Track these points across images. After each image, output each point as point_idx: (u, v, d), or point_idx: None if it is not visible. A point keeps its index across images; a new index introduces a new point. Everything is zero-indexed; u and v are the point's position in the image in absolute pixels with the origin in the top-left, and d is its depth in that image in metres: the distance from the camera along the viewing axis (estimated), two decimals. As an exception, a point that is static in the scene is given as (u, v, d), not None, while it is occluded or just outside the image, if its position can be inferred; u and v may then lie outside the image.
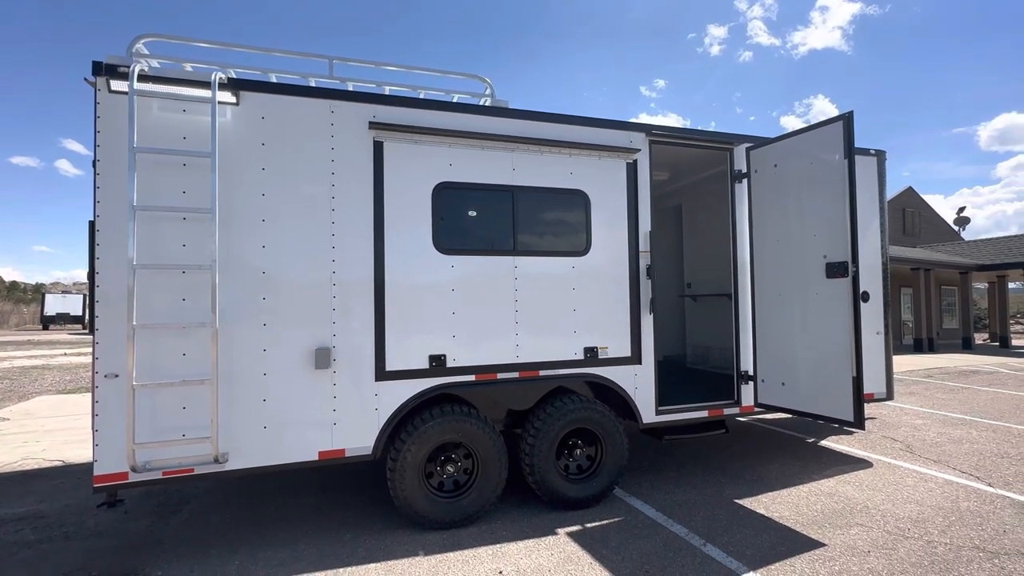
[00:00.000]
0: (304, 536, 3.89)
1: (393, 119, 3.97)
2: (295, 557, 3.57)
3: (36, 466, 5.64)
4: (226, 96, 3.57)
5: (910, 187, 25.84)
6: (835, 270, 4.22)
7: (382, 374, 3.87)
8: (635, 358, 4.59)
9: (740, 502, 4.41)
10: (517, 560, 3.50)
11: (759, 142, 5.00)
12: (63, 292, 41.34)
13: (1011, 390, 9.85)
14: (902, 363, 13.91)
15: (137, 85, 3.32)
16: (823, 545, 3.63)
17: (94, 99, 3.37)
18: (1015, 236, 21.77)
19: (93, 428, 3.30)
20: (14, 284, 56.64)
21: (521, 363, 4.24)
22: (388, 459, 3.90)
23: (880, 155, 5.71)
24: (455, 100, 4.61)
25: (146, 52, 3.76)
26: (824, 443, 6.15)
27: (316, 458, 3.71)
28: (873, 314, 5.53)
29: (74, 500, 4.63)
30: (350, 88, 4.26)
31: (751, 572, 3.31)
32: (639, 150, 4.67)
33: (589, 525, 4.01)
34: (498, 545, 3.71)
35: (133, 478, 3.32)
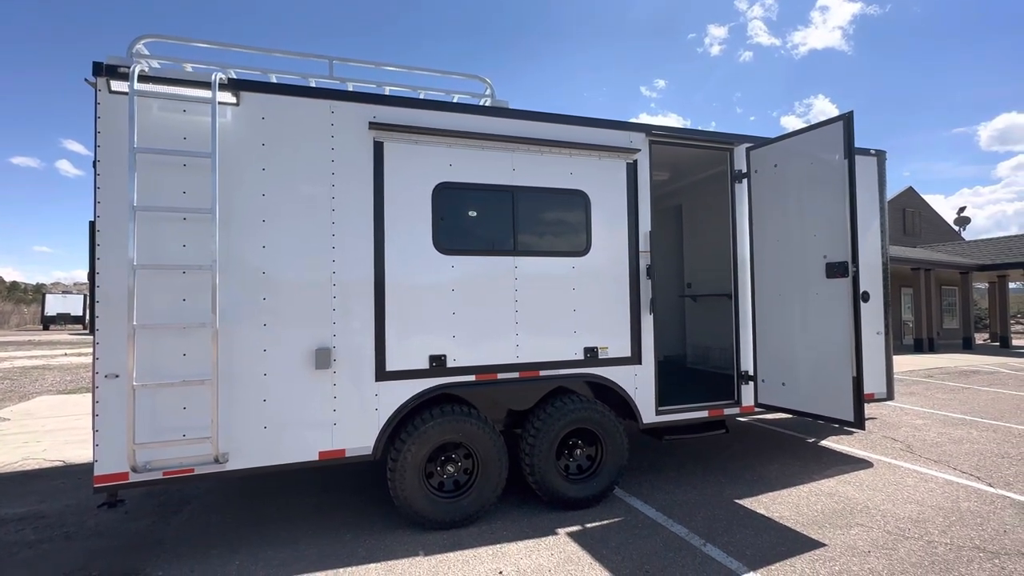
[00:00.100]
0: (305, 536, 3.89)
1: (393, 119, 3.98)
2: (296, 557, 3.57)
3: (37, 466, 5.65)
4: (226, 96, 3.57)
5: (910, 187, 25.85)
6: (835, 270, 4.22)
7: (382, 374, 3.87)
8: (635, 358, 4.59)
9: (740, 502, 4.41)
10: (517, 560, 3.50)
11: (759, 142, 5.00)
12: (63, 292, 41.35)
13: (1012, 390, 9.85)
14: (902, 363, 13.91)
15: (137, 86, 3.32)
16: (823, 545, 3.63)
17: (94, 99, 3.38)
18: (1015, 236, 21.76)
19: (93, 428, 3.31)
20: (15, 284, 56.68)
21: (521, 363, 4.24)
22: (388, 459, 3.90)
23: (880, 155, 5.71)
24: (455, 100, 4.61)
25: (146, 53, 3.76)
26: (824, 443, 6.15)
27: (316, 458, 3.71)
28: (873, 314, 5.52)
29: (75, 500, 4.64)
30: (350, 88, 4.26)
31: (751, 572, 3.31)
32: (639, 150, 4.67)
33: (589, 525, 4.01)
34: (498, 545, 3.71)
35: (133, 478, 3.32)
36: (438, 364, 4.01)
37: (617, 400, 4.58)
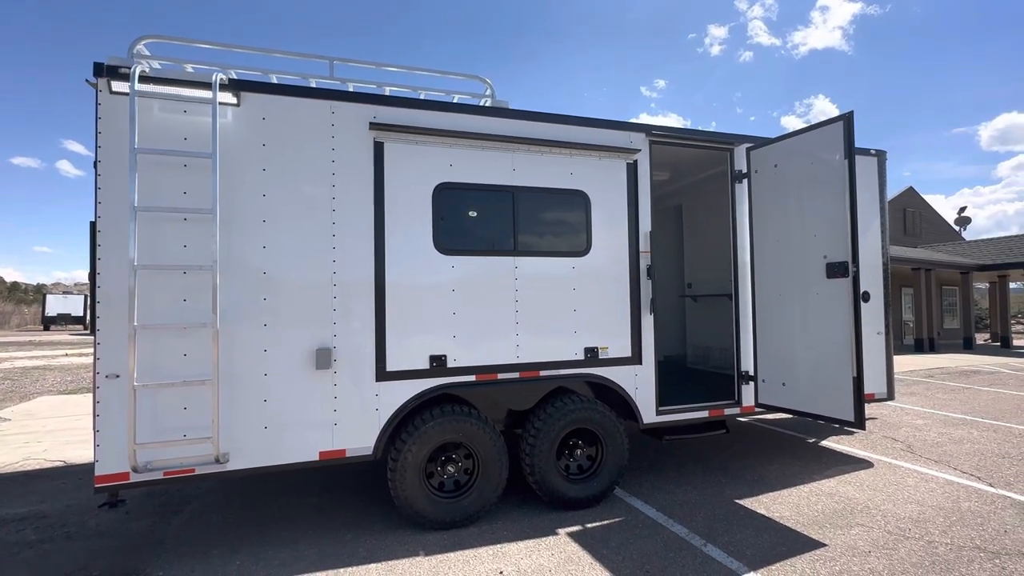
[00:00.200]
0: (305, 536, 3.89)
1: (393, 120, 3.98)
2: (296, 557, 3.57)
3: (38, 466, 5.65)
4: (227, 97, 3.58)
5: (911, 187, 25.84)
6: (835, 270, 4.22)
7: (383, 374, 3.88)
8: (635, 358, 4.59)
9: (741, 502, 4.41)
10: (518, 560, 3.50)
11: (759, 142, 5.00)
12: (64, 293, 41.35)
13: (1012, 390, 9.84)
14: (903, 363, 13.90)
15: (138, 86, 3.33)
16: (824, 545, 3.63)
17: (95, 100, 3.38)
18: (1016, 236, 21.75)
19: (94, 428, 3.31)
20: (15, 285, 56.73)
21: (521, 363, 4.24)
22: (389, 459, 3.90)
23: (880, 155, 5.71)
24: (455, 101, 4.61)
25: (147, 53, 3.77)
26: (825, 443, 6.15)
27: (317, 458, 3.71)
28: (874, 314, 5.52)
29: (75, 500, 4.64)
30: (350, 89, 4.27)
31: (752, 572, 3.31)
32: (639, 150, 4.67)
33: (590, 525, 4.02)
34: (499, 545, 3.71)
35: (134, 478, 3.33)
36: (438, 364, 4.01)
37: (617, 400, 4.58)
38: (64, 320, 37.41)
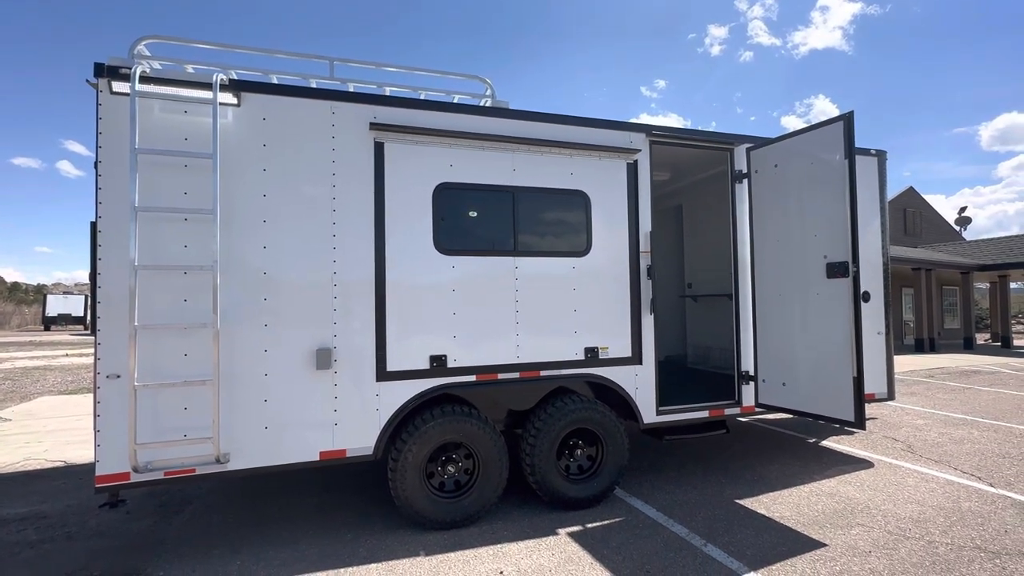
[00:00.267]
0: (306, 536, 3.89)
1: (394, 120, 3.98)
2: (297, 557, 3.58)
3: (38, 467, 5.66)
4: (227, 97, 3.58)
5: (911, 187, 25.83)
6: (836, 270, 4.22)
7: (383, 374, 3.88)
8: (636, 358, 4.59)
9: (741, 502, 4.41)
10: (518, 560, 3.50)
11: (759, 142, 5.00)
12: (65, 293, 41.36)
13: (1013, 390, 9.84)
14: (903, 363, 13.89)
15: (139, 87, 3.33)
16: (824, 545, 3.63)
17: (96, 100, 3.39)
18: (1016, 236, 21.74)
19: (95, 428, 3.31)
20: (16, 285, 56.75)
21: (522, 363, 4.24)
22: (389, 459, 3.90)
23: (881, 155, 5.71)
24: (455, 101, 4.62)
25: (148, 54, 3.77)
26: (825, 443, 6.15)
27: (317, 458, 3.71)
28: (874, 314, 5.52)
29: (76, 500, 4.64)
30: (351, 89, 4.27)
31: (752, 572, 3.31)
32: (639, 150, 4.68)
33: (590, 525, 4.02)
34: (499, 545, 3.71)
35: (135, 478, 3.33)
36: (439, 364, 4.01)
37: (618, 400, 4.58)
38: (65, 320, 37.43)
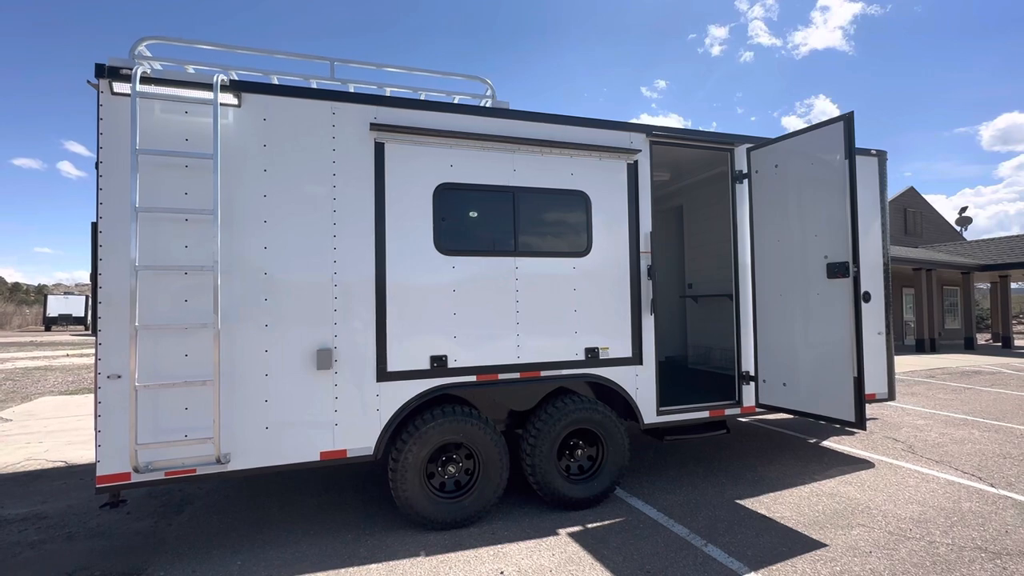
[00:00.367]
0: (306, 536, 3.89)
1: (394, 120, 3.99)
2: (297, 557, 3.58)
3: (39, 467, 5.66)
4: (228, 98, 3.58)
5: (912, 187, 25.82)
6: (836, 270, 4.22)
7: (383, 375, 3.88)
8: (636, 359, 4.59)
9: (741, 502, 4.41)
10: (518, 560, 3.50)
11: (760, 143, 5.00)
12: (65, 293, 41.39)
13: (1013, 390, 9.83)
14: (904, 363, 13.89)
15: (139, 87, 3.33)
16: (824, 546, 3.63)
17: (97, 101, 3.39)
18: (1017, 236, 21.72)
19: (96, 429, 3.32)
20: (16, 285, 56.78)
21: (522, 364, 4.24)
22: (390, 459, 3.90)
23: (881, 155, 5.71)
24: (456, 101, 4.62)
25: (148, 54, 3.78)
26: (826, 443, 6.15)
27: (318, 458, 3.71)
28: (875, 314, 5.52)
29: (77, 501, 4.65)
30: (351, 90, 4.27)
31: (752, 572, 3.31)
32: (640, 151, 4.68)
33: (590, 525, 4.02)
34: (499, 545, 3.71)
35: (135, 479, 3.33)
36: (439, 365, 4.02)
37: (618, 400, 4.58)
38: (65, 321, 37.44)
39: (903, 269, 18.15)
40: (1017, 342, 21.84)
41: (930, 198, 27.24)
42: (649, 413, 4.62)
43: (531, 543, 3.75)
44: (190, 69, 3.85)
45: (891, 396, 5.73)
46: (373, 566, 3.45)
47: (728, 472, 5.17)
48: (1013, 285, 22.19)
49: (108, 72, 3.36)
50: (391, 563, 3.48)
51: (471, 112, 4.30)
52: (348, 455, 3.78)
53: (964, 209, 29.47)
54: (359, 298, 3.86)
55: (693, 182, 7.09)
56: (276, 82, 4.06)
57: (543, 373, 4.31)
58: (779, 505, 4.33)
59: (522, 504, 4.40)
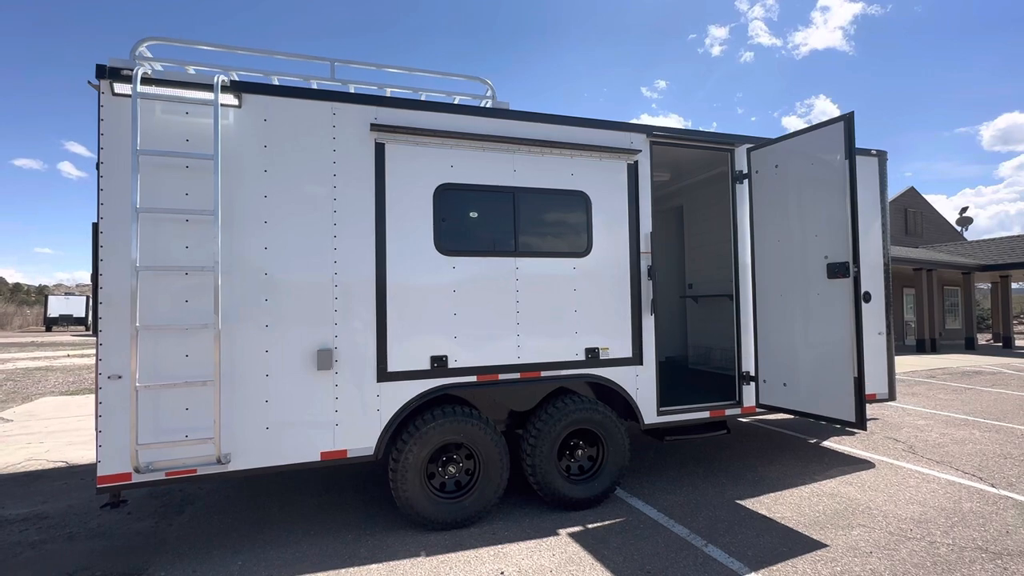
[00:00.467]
0: (307, 536, 3.90)
1: (394, 121, 3.99)
2: (298, 557, 3.58)
3: (40, 467, 5.67)
4: (228, 98, 3.59)
5: (912, 187, 25.81)
6: (836, 271, 4.22)
7: (384, 375, 3.88)
8: (636, 359, 4.59)
9: (742, 503, 4.41)
10: (519, 561, 3.51)
11: (760, 143, 5.01)
12: (66, 294, 41.39)
13: (1014, 391, 9.82)
14: (904, 363, 13.88)
15: (140, 88, 3.34)
16: (825, 546, 3.63)
17: (98, 102, 3.40)
18: (1018, 236, 21.71)
19: (96, 429, 3.32)
20: (17, 286, 56.83)
21: (522, 364, 4.24)
22: (390, 460, 3.91)
23: (881, 155, 5.71)
24: (456, 102, 4.62)
25: (149, 55, 3.79)
26: (826, 444, 6.15)
27: (318, 459, 3.72)
28: (875, 314, 5.52)
29: (77, 501, 4.65)
30: (352, 90, 4.28)
31: (753, 573, 3.31)
32: (640, 151, 4.68)
33: (591, 526, 4.02)
34: (500, 546, 3.71)
35: (136, 479, 3.34)
36: (439, 365, 4.02)
37: (618, 401, 4.58)
38: (66, 321, 37.45)
39: (903, 269, 18.14)
40: (1018, 342, 21.82)
41: (930, 198, 27.25)
42: (649, 413, 4.62)
43: (531, 543, 3.75)
44: (191, 70, 3.86)
45: (891, 396, 5.73)
46: (373, 566, 3.45)
47: (728, 472, 5.17)
48: (1014, 285, 22.18)
49: (109, 73, 3.37)
50: (391, 563, 3.48)
51: (471, 112, 4.31)
52: (349, 455, 3.79)
53: (965, 209, 29.46)
54: (359, 298, 3.86)
55: (693, 182, 7.09)
56: (276, 83, 4.07)
57: (543, 373, 4.31)
58: (779, 505, 4.33)
59: (522, 504, 4.40)
